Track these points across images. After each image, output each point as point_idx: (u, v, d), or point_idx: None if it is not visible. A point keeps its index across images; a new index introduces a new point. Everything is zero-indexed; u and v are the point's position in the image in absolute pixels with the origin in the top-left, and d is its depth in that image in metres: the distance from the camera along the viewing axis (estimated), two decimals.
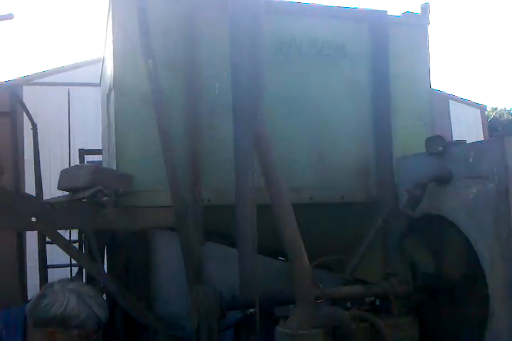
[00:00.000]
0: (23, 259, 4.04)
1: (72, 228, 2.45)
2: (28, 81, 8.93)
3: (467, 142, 2.31)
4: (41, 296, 2.17)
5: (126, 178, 2.34)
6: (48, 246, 4.04)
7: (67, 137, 4.49)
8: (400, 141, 2.90)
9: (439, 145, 2.31)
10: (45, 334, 2.12)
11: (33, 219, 2.30)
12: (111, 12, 2.65)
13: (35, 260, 3.89)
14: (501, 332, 2.06)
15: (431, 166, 2.39)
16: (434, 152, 2.34)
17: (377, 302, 2.49)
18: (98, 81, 4.09)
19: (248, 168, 2.34)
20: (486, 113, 13.20)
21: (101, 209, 2.29)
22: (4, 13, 2.67)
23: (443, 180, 2.30)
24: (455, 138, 10.53)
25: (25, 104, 4.14)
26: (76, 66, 9.16)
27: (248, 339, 2.22)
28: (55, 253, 4.43)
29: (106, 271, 2.95)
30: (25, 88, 8.53)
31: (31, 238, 3.86)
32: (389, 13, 3.07)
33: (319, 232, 2.71)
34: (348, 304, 2.39)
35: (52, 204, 2.34)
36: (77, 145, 5.30)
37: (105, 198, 2.25)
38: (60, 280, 2.32)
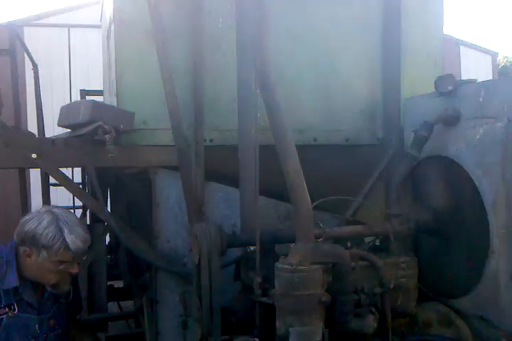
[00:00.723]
0: (27, 201, 4.08)
1: (74, 166, 2.43)
2: (29, 22, 8.71)
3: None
4: (27, 214, 2.20)
5: (127, 115, 2.30)
6: (51, 190, 4.08)
7: (68, 79, 4.40)
8: (408, 81, 2.82)
9: (450, 84, 2.24)
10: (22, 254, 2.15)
11: (34, 156, 2.29)
12: None
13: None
14: (499, 269, 2.09)
15: (439, 107, 2.33)
16: (444, 91, 2.28)
17: (377, 243, 2.52)
18: (99, 23, 3.97)
19: (251, 107, 2.30)
20: (498, 60, 12.84)
21: (102, 147, 2.26)
22: None
23: (451, 120, 2.25)
24: None
25: (27, 45, 4.05)
26: (78, 7, 8.90)
27: (248, 276, 2.25)
28: (60, 197, 4.49)
29: (109, 211, 2.98)
30: (26, 29, 8.34)
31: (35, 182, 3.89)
32: None
33: (322, 174, 2.70)
34: (349, 244, 2.41)
35: (53, 140, 2.31)
36: (78, 86, 5.22)
37: (106, 135, 2.21)
38: (52, 206, 2.32)
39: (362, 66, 2.83)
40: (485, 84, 2.16)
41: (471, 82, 2.24)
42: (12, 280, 2.13)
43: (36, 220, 2.12)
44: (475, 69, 10.70)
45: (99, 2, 3.87)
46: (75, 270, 2.22)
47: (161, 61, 2.29)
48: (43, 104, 3.94)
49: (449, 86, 2.25)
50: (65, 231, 2.10)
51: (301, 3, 2.72)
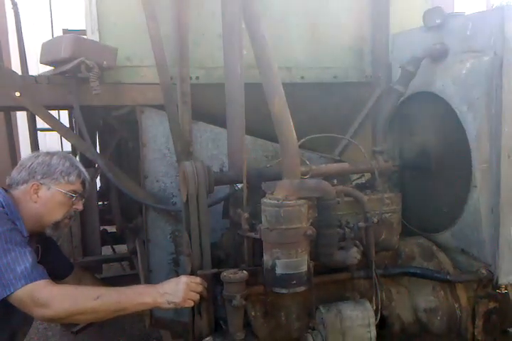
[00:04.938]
0: (14, 146, 4.05)
1: (58, 104, 2.40)
2: None
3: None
4: (27, 155, 2.22)
5: (110, 51, 2.25)
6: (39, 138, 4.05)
7: (49, 16, 4.26)
8: (397, 17, 2.76)
9: (438, 17, 2.20)
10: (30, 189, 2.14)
11: (17, 94, 2.25)
12: None
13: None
14: (481, 202, 2.14)
15: (427, 42, 2.30)
16: (432, 25, 2.24)
17: (363, 180, 2.55)
18: None
19: (237, 43, 2.25)
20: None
21: (86, 84, 2.23)
22: None
23: (438, 55, 2.23)
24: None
25: None
26: None
27: (236, 213, 2.29)
28: (48, 144, 4.46)
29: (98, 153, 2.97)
30: None
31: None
32: None
33: (310, 113, 2.69)
34: (335, 181, 2.44)
35: (35, 78, 2.27)
36: (61, 25, 5.08)
37: (89, 72, 2.17)
38: None
39: (350, 3, 2.76)
40: (472, 16, 2.13)
41: (459, 14, 2.20)
42: (23, 230, 2.10)
43: (46, 155, 2.15)
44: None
45: None
46: (80, 206, 2.27)
47: None
48: (26, 45, 3.85)
49: (437, 19, 2.21)
50: (77, 163, 2.20)
51: None
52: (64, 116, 4.33)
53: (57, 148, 5.04)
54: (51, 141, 5.62)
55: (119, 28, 2.41)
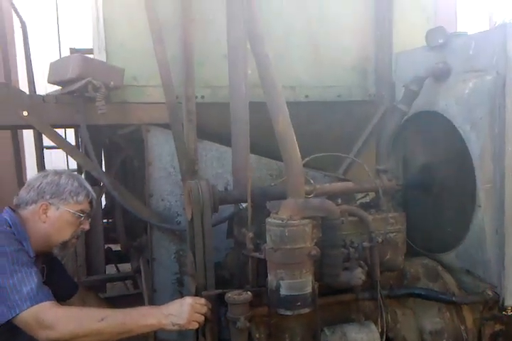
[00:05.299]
0: (21, 164, 4.07)
1: (65, 123, 2.43)
2: None
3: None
4: (35, 175, 2.23)
5: (117, 71, 2.28)
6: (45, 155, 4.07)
7: (57, 36, 4.31)
8: (400, 36, 2.80)
9: (440, 37, 2.22)
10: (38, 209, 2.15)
11: (25, 113, 2.28)
12: None
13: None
14: (485, 223, 2.13)
15: (430, 61, 2.32)
16: (435, 45, 2.26)
17: (368, 200, 2.55)
18: None
19: (242, 63, 2.28)
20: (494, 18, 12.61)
21: (92, 103, 2.25)
22: None
23: (441, 74, 2.24)
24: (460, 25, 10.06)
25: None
26: None
27: (240, 232, 2.29)
28: (54, 162, 4.48)
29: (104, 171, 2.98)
30: None
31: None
32: None
33: (314, 131, 2.71)
34: (339, 201, 2.43)
35: (43, 97, 2.30)
36: (68, 44, 5.15)
37: (96, 92, 2.20)
38: None
39: (353, 22, 2.80)
40: (475, 36, 2.14)
41: (462, 34, 2.21)
42: (30, 251, 2.10)
43: (54, 175, 2.17)
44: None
45: None
46: (87, 226, 2.28)
47: (150, 16, 2.26)
48: (33, 64, 3.89)
49: (439, 39, 2.23)
50: (85, 183, 2.21)
51: None
52: (70, 134, 4.36)
53: (63, 166, 5.07)
54: (57, 159, 5.65)
55: (126, 49, 2.45)
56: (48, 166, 3.86)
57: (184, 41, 2.40)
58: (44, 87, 3.35)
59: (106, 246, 4.15)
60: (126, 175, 3.99)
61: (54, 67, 2.38)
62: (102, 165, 3.88)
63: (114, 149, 3.75)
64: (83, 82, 2.14)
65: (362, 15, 2.80)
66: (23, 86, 3.60)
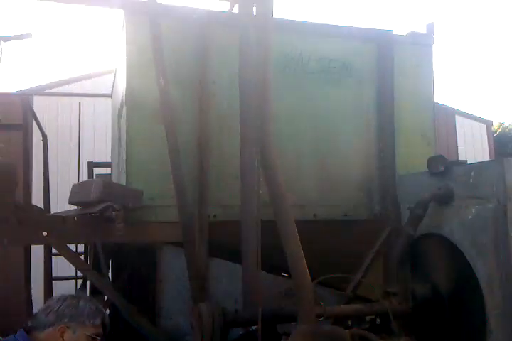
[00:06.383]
0: (30, 274, 4.06)
1: (83, 242, 2.50)
2: (39, 91, 9.03)
3: (470, 161, 2.37)
4: (51, 298, 2.24)
5: (136, 194, 2.40)
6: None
7: (77, 148, 4.50)
8: (403, 159, 2.96)
9: (441, 165, 2.36)
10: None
11: (44, 234, 2.36)
12: (124, 29, 2.72)
13: (38, 273, 3.89)
14: None
15: (432, 185, 2.44)
16: (436, 172, 2.39)
17: (378, 321, 2.53)
18: (108, 91, 4.13)
19: (254, 184, 2.39)
20: (493, 128, 13.19)
21: (111, 224, 2.34)
22: (23, 33, 2.75)
23: (444, 199, 2.35)
24: (461, 153, 10.50)
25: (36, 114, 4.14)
26: (87, 76, 9.27)
27: None
28: (60, 266, 4.44)
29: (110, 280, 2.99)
30: (35, 98, 8.62)
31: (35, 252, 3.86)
32: (394, 33, 3.14)
33: (322, 249, 2.75)
34: (350, 322, 2.43)
35: (63, 218, 2.39)
36: (85, 156, 5.35)
37: (115, 213, 2.30)
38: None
39: (358, 144, 2.98)
40: (474, 166, 2.28)
41: (461, 162, 2.35)
42: None
43: (72, 298, 2.18)
44: (471, 138, 10.97)
45: (109, 72, 4.01)
46: None
47: (170, 143, 2.41)
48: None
49: (440, 166, 2.37)
50: (101, 306, 2.21)
51: (301, 87, 2.90)
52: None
53: (69, 270, 5.01)
54: (63, 265, 5.59)
55: (145, 172, 2.59)
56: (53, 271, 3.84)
57: (199, 165, 2.54)
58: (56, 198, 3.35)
59: None
60: (134, 286, 3.96)
61: (75, 189, 2.51)
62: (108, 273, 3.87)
63: (123, 255, 3.77)
64: (104, 205, 2.25)
65: (367, 138, 2.99)
66: (37, 200, 3.64)
